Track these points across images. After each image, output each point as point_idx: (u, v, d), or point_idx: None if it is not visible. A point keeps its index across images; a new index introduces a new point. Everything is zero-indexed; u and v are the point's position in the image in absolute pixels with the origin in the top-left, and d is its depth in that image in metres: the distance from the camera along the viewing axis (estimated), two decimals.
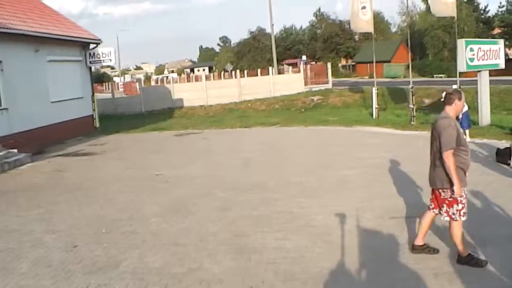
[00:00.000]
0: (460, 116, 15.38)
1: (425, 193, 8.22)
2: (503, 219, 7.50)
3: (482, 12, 60.91)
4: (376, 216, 7.86)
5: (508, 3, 54.89)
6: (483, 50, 17.37)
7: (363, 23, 22.48)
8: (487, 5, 72.25)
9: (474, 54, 16.82)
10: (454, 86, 15.72)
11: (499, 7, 57.60)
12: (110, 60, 24.61)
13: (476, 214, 7.48)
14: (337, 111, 27.34)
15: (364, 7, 22.09)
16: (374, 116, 22.29)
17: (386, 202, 8.61)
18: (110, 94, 37.74)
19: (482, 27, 53.84)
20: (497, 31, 54.68)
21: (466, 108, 15.57)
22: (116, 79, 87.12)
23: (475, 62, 16.97)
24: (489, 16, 60.78)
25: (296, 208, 8.52)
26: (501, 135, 15.72)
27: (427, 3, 61.87)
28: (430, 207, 6.24)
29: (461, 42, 16.72)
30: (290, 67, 45.01)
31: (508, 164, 11.21)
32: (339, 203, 8.67)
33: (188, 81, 56.17)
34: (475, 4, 59.12)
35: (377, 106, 22.49)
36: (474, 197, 8.62)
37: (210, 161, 13.99)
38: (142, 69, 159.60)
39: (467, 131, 15.44)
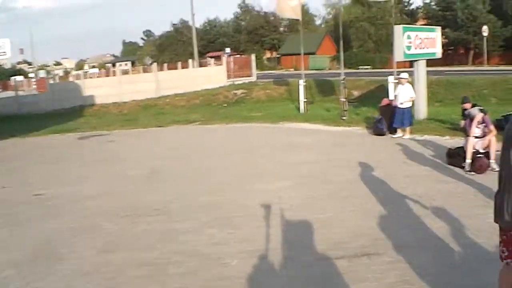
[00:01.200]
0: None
1: (384, 219, 6.33)
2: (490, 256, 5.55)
3: (406, 4, 60.91)
4: (318, 258, 5.76)
5: None
6: (420, 38, 15.74)
7: (289, 9, 20.41)
8: None
9: (411, 42, 15.16)
10: (404, 74, 14.02)
11: None
12: (5, 53, 21.55)
13: (449, 254, 5.58)
14: (262, 105, 25.28)
15: None
16: (302, 111, 20.40)
17: (329, 234, 6.54)
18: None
19: (406, 19, 53.46)
20: (421, 23, 54.57)
21: (409, 104, 13.92)
22: (32, 75, 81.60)
23: (412, 51, 15.31)
24: (413, 8, 60.91)
25: (205, 246, 6.25)
26: (442, 130, 14.18)
27: None
28: (504, 255, 3.73)
29: (398, 29, 14.98)
30: (213, 59, 42.73)
31: (463, 167, 9.49)
32: (263, 237, 6.49)
33: (107, 75, 52.61)
34: None
35: (305, 100, 20.58)
36: (436, 218, 6.74)
37: (109, 174, 11.39)
38: (61, 64, 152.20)
39: (407, 129, 13.78)
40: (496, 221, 3.76)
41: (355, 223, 6.80)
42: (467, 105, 11.96)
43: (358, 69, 47.36)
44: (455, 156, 9.92)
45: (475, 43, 48.64)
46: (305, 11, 79.01)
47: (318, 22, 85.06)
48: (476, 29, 46.89)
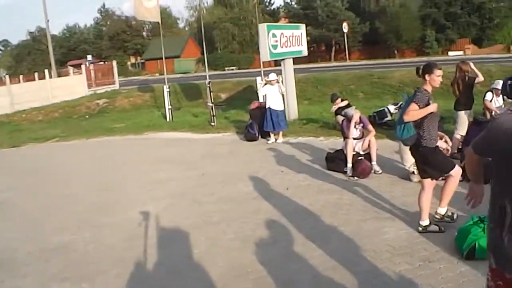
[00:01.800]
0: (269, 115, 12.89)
1: (266, 248, 5.30)
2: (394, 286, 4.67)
3: (267, 4, 61.44)
4: None
5: None
6: (286, 36, 15.07)
7: (148, 11, 18.94)
8: None
9: (277, 41, 14.41)
10: (272, 75, 13.02)
11: None
12: None
13: None
14: (126, 115, 23.49)
15: None
16: (168, 119, 19.02)
17: (203, 276, 5.33)
18: None
19: (268, 18, 53.80)
20: (282, 22, 55.23)
21: (281, 106, 13.11)
22: None
23: (279, 50, 14.58)
24: (275, 8, 61.62)
25: None
26: (316, 131, 13.61)
27: None
28: None
29: (262, 27, 14.15)
30: (72, 68, 39.89)
31: (345, 172, 8.76)
32: None
33: None
34: None
35: (170, 107, 19.22)
36: (327, 239, 5.78)
37: None
38: None
39: (280, 132, 12.98)
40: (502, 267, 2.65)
41: (233, 256, 5.66)
42: (338, 101, 11.46)
43: (225, 70, 46.79)
44: (335, 161, 9.17)
45: (336, 40, 50.08)
46: (167, 14, 77.69)
47: (181, 25, 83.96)
48: (337, 26, 48.29)
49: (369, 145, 8.89)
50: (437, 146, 5.69)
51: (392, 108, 13.37)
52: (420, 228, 5.79)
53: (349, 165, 8.73)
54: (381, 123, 12.73)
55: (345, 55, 45.83)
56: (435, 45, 46.59)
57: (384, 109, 13.30)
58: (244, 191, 8.44)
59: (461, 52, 43.33)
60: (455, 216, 5.92)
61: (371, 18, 50.62)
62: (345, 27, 44.85)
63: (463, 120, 9.36)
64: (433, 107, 5.36)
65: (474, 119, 9.81)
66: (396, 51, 48.61)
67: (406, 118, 5.38)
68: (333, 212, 6.85)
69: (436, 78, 5.47)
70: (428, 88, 5.50)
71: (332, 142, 11.87)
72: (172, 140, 14.82)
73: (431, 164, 5.60)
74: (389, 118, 13.07)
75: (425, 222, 5.77)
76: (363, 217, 6.58)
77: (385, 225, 6.21)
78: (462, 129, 9.31)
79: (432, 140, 5.54)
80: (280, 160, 10.54)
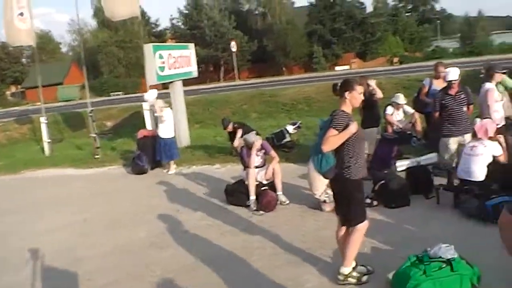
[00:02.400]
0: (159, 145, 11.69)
1: None
2: None
3: (153, 25, 59.94)
4: None
5: (180, 14, 54.92)
6: (174, 57, 13.96)
7: (22, 34, 16.90)
8: (158, 18, 72.68)
9: (164, 62, 13.26)
10: (160, 102, 11.69)
11: (171, 19, 57.68)
12: None
13: None
14: (2, 151, 21.13)
15: (21, 14, 16.58)
16: (47, 153, 17.11)
17: None
18: None
19: (155, 40, 52.37)
20: (169, 43, 54.02)
21: (172, 133, 11.92)
22: None
23: (167, 72, 13.44)
24: (161, 30, 60.22)
25: None
26: (211, 158, 12.54)
27: (99, 19, 59.04)
28: None
29: (148, 48, 12.92)
30: None
31: (248, 206, 7.78)
32: None
33: None
34: (147, 18, 57.71)
35: (49, 141, 17.29)
36: None
37: None
38: None
39: (171, 162, 11.79)
40: None
41: None
42: (230, 127, 10.64)
43: (110, 95, 44.71)
44: (236, 194, 8.15)
45: (224, 59, 49.60)
46: (48, 38, 73.70)
47: (64, 49, 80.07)
48: (225, 45, 47.84)
49: (273, 173, 7.97)
50: (362, 178, 4.82)
51: (290, 128, 12.64)
52: (341, 277, 4.88)
53: (252, 197, 7.75)
54: (280, 145, 11.91)
55: (234, 74, 45.46)
56: (323, 61, 47.49)
57: (282, 130, 12.52)
58: (134, 239, 7.18)
59: (347, 67, 44.59)
60: (370, 268, 5.05)
61: (259, 36, 50.87)
62: (233, 46, 44.52)
63: (371, 138, 8.74)
64: (353, 127, 4.51)
65: (382, 136, 9.26)
66: (284, 68, 49.03)
67: (326, 147, 4.48)
68: (241, 260, 5.79)
69: (358, 96, 4.65)
70: (347, 108, 4.66)
71: (230, 170, 10.88)
72: (51, 179, 13.09)
73: (351, 202, 4.74)
74: (288, 139, 12.30)
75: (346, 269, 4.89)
76: (277, 262, 5.60)
77: (304, 271, 5.26)
78: (369, 148, 8.67)
79: (358, 169, 4.68)
80: (173, 196, 9.35)
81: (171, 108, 12.55)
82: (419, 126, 11.05)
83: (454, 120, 7.66)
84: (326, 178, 4.91)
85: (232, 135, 11.91)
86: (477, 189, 6.44)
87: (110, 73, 53.83)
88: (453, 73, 7.62)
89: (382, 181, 7.33)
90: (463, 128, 7.63)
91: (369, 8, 58.71)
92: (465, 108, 7.66)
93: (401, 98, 11.32)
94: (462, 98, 7.64)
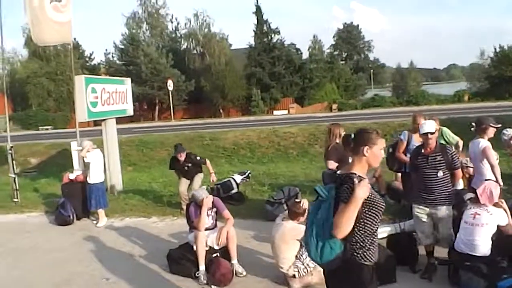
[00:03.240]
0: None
1: None
2: None
3: (87, 59, 57.59)
4: None
5: (116, 49, 53.02)
6: (109, 92, 12.47)
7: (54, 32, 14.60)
8: (93, 52, 69.85)
9: (97, 97, 11.76)
10: (86, 143, 10.08)
11: (106, 53, 55.62)
12: None
13: None
14: None
15: None
16: None
17: None
18: None
19: (89, 73, 50.15)
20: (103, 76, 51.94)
21: (101, 178, 10.32)
22: None
23: (100, 108, 11.92)
24: (95, 64, 57.93)
25: None
26: (148, 208, 11.05)
27: (29, 49, 55.79)
28: None
29: (80, 80, 11.38)
30: None
31: (196, 277, 6.35)
32: None
33: None
34: (81, 50, 55.38)
35: None
36: None
37: None
38: None
39: (101, 212, 10.16)
40: None
41: None
42: (182, 157, 10.06)
43: (39, 129, 42.05)
44: (181, 262, 6.68)
45: (160, 98, 47.91)
46: None
47: None
48: (161, 83, 46.22)
49: (227, 237, 6.59)
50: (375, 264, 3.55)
51: (238, 178, 11.35)
52: None
53: (202, 268, 6.34)
54: (226, 197, 10.53)
55: (170, 114, 43.89)
56: (261, 104, 46.75)
57: (229, 180, 11.20)
58: None
59: (285, 111, 43.92)
60: None
61: (197, 76, 49.59)
62: (170, 85, 43.04)
63: None
64: (363, 190, 3.29)
65: None
66: (221, 110, 47.93)
67: (340, 232, 3.23)
68: None
69: (379, 153, 3.49)
70: (362, 169, 3.47)
71: (169, 225, 9.46)
72: None
73: None
74: (235, 190, 10.99)
75: None
76: None
77: None
78: None
79: (374, 250, 3.49)
80: (102, 258, 7.73)
81: (101, 149, 10.99)
82: (382, 180, 10.01)
83: (425, 186, 6.05)
84: (327, 268, 3.61)
85: (176, 164, 10.44)
86: (485, 267, 5.32)
87: (39, 106, 50.83)
88: (429, 125, 6.11)
89: None
90: (435, 198, 5.99)
91: (305, 55, 59.32)
92: (440, 174, 5.98)
93: None
94: (437, 161, 6.04)
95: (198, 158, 10.47)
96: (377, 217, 3.39)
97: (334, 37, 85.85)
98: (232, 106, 48.87)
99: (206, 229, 6.65)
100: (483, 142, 6.65)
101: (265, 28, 50.17)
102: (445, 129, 9.07)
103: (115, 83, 13.52)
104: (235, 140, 21.35)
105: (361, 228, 3.35)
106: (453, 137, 9.04)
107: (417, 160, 6.20)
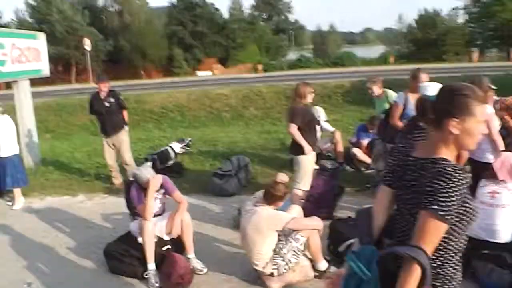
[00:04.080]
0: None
1: None
2: None
3: None
4: None
5: (27, 6, 49.01)
6: (20, 48, 10.59)
7: None
8: (1, 10, 65.09)
9: (6, 54, 9.91)
10: None
11: (15, 11, 51.73)
12: None
13: None
14: None
15: None
16: None
17: None
18: None
19: None
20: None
21: (15, 150, 8.60)
22: None
23: (9, 67, 10.08)
24: (5, 23, 53.28)
25: None
26: (71, 183, 9.44)
27: None
28: None
29: None
30: None
31: (145, 279, 5.05)
32: None
33: None
34: None
35: None
36: None
37: None
38: None
39: (16, 190, 8.49)
40: None
41: None
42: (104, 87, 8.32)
43: None
44: (123, 259, 5.31)
45: (77, 59, 44.81)
46: None
47: None
48: (77, 43, 43.07)
49: (182, 227, 5.30)
50: None
51: (177, 147, 10.03)
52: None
53: (151, 266, 5.02)
54: (165, 169, 9.17)
55: (88, 75, 41.15)
56: (184, 65, 44.91)
57: (166, 149, 9.82)
58: None
59: (210, 72, 42.39)
60: None
61: (115, 35, 46.78)
62: (87, 45, 40.16)
63: (307, 169, 6.40)
64: None
65: (320, 166, 6.97)
66: (142, 72, 45.66)
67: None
68: None
69: (476, 129, 2.17)
70: (451, 153, 2.22)
71: (100, 205, 8.00)
72: None
73: None
74: (173, 161, 9.63)
75: None
76: None
77: None
78: (304, 182, 6.35)
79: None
80: (20, 251, 6.19)
81: (13, 116, 9.24)
82: (340, 147, 9.00)
83: None
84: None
85: (97, 103, 8.77)
86: (509, 256, 4.38)
87: None
88: (434, 89, 4.31)
89: (353, 239, 5.03)
90: None
91: (226, 15, 57.82)
92: None
93: (322, 114, 9.23)
94: None
95: (122, 97, 8.97)
96: (467, 227, 2.20)
97: None
98: (154, 67, 46.68)
99: (155, 216, 5.34)
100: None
101: None
102: (390, 91, 8.02)
103: (26, 38, 11.57)
104: (163, 102, 19.80)
105: (443, 249, 2.17)
106: None
107: (414, 135, 4.44)
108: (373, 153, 7.97)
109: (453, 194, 1.98)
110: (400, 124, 6.25)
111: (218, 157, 10.30)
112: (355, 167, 8.99)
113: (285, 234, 4.73)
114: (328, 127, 9.20)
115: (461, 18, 47.68)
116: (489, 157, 5.18)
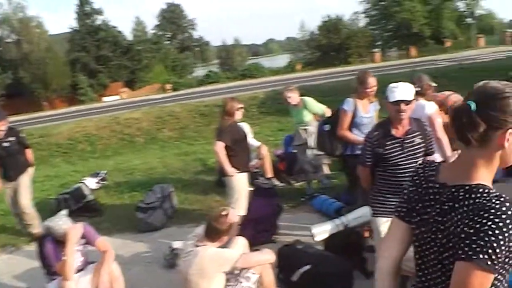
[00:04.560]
0: None
1: None
2: None
3: None
4: None
5: None
6: None
7: None
8: None
9: None
10: None
11: None
12: None
13: None
14: None
15: None
16: None
17: None
18: None
19: None
20: None
21: None
22: None
23: None
24: None
25: None
26: None
27: None
28: None
29: None
30: None
31: None
32: None
33: None
34: None
35: None
36: None
37: None
38: None
39: None
40: None
41: None
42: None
43: None
44: None
45: None
46: None
47: None
48: None
49: (110, 281, 4.53)
50: None
51: (91, 182, 9.17)
52: None
53: None
54: (80, 209, 8.30)
55: None
56: (90, 92, 43.21)
57: (79, 186, 8.88)
58: None
59: (117, 97, 41.01)
60: None
61: (14, 66, 44.21)
62: None
63: (241, 190, 5.85)
64: None
65: (256, 185, 6.42)
66: (45, 103, 43.46)
67: None
68: None
69: None
70: (490, 174, 1.73)
71: (7, 262, 7.00)
72: None
73: None
74: (90, 198, 8.73)
75: None
76: None
77: None
78: (239, 206, 5.79)
79: None
80: None
81: None
82: (268, 162, 8.50)
83: (399, 187, 3.71)
84: None
85: None
86: None
87: None
88: (404, 90, 3.94)
89: (307, 266, 4.48)
90: None
91: (129, 37, 56.85)
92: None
93: (247, 129, 8.70)
94: (415, 145, 4.01)
95: (23, 135, 7.93)
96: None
97: (157, 17, 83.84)
98: (57, 96, 44.54)
99: (75, 272, 4.54)
100: (429, 106, 4.95)
101: (87, 8, 46.38)
102: (308, 99, 7.78)
103: None
104: (70, 134, 18.65)
105: None
106: (320, 108, 7.77)
107: (385, 146, 4.00)
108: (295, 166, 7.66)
109: (502, 237, 1.47)
110: (349, 134, 5.68)
111: (137, 187, 9.51)
112: (285, 181, 8.57)
113: (234, 274, 4.11)
114: (254, 142, 8.69)
115: (363, 22, 49.45)
116: (436, 158, 4.79)
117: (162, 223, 7.34)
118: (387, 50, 45.77)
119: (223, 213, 4.18)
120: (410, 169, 3.81)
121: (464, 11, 48.04)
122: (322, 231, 5.21)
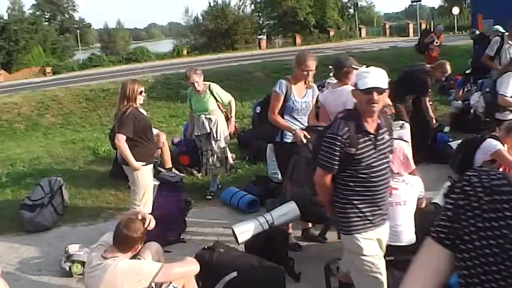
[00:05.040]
0: None
1: None
2: None
3: None
4: None
5: None
6: None
7: None
8: None
9: None
10: None
11: None
12: None
13: None
14: None
15: None
16: None
17: None
18: None
19: None
20: None
21: None
22: None
23: None
24: None
25: None
26: None
27: None
28: None
29: None
30: None
31: None
32: None
33: None
34: None
35: None
36: None
37: None
38: None
39: None
40: None
41: None
42: None
43: None
44: None
45: None
46: None
47: None
48: None
49: None
50: None
51: None
52: None
53: None
54: None
55: None
56: None
57: None
58: None
59: None
60: None
61: None
62: None
63: (146, 185, 5.28)
64: None
65: (161, 179, 5.81)
66: None
67: None
68: None
69: None
70: None
71: None
72: None
73: None
74: None
75: None
76: None
77: None
78: (145, 202, 5.22)
79: None
80: None
81: None
82: (167, 151, 7.91)
83: (374, 193, 3.40)
84: None
85: None
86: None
87: None
88: (377, 75, 3.33)
89: (233, 273, 3.97)
90: (385, 209, 3.56)
91: (5, 17, 53.48)
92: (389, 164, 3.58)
93: None
94: (385, 142, 3.48)
95: None
96: None
97: None
98: None
99: None
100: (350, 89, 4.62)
101: None
102: (214, 85, 7.19)
103: None
104: None
105: None
106: (225, 95, 7.26)
107: (359, 145, 3.32)
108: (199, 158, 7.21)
109: None
110: (279, 119, 5.13)
111: (20, 180, 8.55)
112: (187, 172, 8.03)
113: None
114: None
115: (249, 8, 49.48)
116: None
117: (51, 222, 6.51)
118: (272, 37, 46.16)
119: (137, 217, 3.56)
120: (383, 172, 3.41)
121: (347, 2, 50.06)
122: (245, 230, 4.69)
